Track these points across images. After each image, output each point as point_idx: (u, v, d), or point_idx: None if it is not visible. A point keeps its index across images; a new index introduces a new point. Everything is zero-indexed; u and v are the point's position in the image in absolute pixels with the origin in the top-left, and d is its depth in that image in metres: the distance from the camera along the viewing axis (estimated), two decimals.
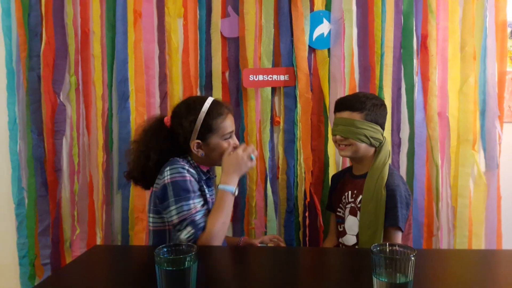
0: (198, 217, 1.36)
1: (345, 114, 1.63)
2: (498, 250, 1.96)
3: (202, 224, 1.35)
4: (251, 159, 1.46)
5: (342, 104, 1.67)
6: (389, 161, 1.64)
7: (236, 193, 1.43)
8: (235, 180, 1.43)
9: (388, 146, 1.67)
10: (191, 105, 1.52)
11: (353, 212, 1.66)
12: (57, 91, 2.07)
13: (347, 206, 1.70)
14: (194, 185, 1.42)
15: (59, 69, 2.07)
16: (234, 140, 1.55)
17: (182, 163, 1.44)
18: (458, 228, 2.02)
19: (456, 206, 2.02)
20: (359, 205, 1.62)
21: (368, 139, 1.60)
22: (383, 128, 1.66)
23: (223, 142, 1.51)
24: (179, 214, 1.35)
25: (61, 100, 2.09)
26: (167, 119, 1.55)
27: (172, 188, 1.37)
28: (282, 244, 1.76)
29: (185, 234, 1.34)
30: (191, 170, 1.45)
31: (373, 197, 1.56)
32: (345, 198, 1.72)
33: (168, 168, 1.42)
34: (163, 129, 1.54)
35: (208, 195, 1.51)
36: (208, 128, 1.48)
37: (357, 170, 1.72)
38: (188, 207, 1.36)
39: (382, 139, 1.65)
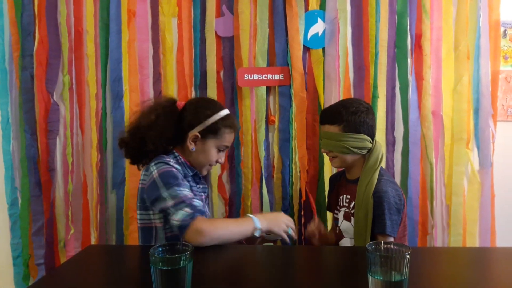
0: (196, 202, 1.35)
1: (326, 128, 1.63)
2: (492, 248, 1.97)
3: (200, 208, 1.34)
4: (287, 229, 1.43)
5: (322, 117, 1.67)
6: (380, 166, 1.60)
7: (257, 235, 1.36)
8: (264, 226, 1.38)
9: (379, 150, 1.62)
10: (212, 103, 1.60)
11: (347, 217, 1.66)
12: (50, 91, 2.06)
13: (341, 209, 1.70)
14: (180, 176, 1.42)
15: (53, 68, 2.06)
16: (223, 156, 1.60)
17: (167, 159, 1.46)
18: (452, 226, 2.03)
19: (451, 205, 2.03)
20: (352, 211, 1.61)
21: (351, 149, 1.57)
22: (370, 134, 1.60)
23: (215, 151, 1.55)
24: (174, 198, 1.34)
25: (55, 99, 2.08)
26: (180, 103, 1.57)
27: (161, 179, 1.38)
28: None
29: (181, 214, 1.30)
30: (176, 165, 1.46)
31: (363, 204, 1.55)
32: (341, 201, 1.72)
33: (153, 163, 1.43)
34: (175, 110, 1.55)
35: (197, 192, 1.52)
36: (214, 130, 1.52)
37: (350, 175, 1.71)
38: (181, 192, 1.35)
39: (369, 145, 1.60)
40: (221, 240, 1.29)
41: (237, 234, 1.33)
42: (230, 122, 1.56)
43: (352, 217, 1.61)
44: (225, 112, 1.56)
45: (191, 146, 1.52)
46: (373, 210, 1.52)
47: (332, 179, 1.89)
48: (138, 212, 1.48)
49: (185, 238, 1.28)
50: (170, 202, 1.34)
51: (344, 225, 1.66)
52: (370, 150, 1.61)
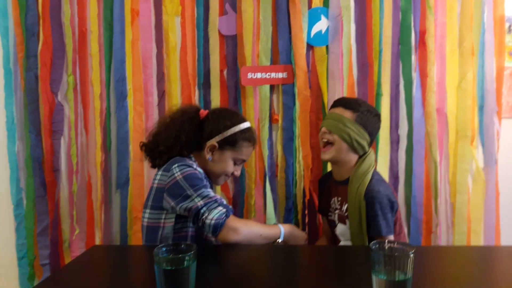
0: (225, 202, 1.39)
1: (338, 110, 1.63)
2: (497, 246, 1.97)
3: (231, 208, 1.38)
4: (301, 244, 1.50)
5: (338, 101, 1.67)
6: (372, 171, 1.59)
7: (279, 241, 1.43)
8: (284, 240, 1.43)
9: (373, 159, 1.63)
10: (234, 115, 1.60)
11: (342, 220, 1.65)
12: (54, 91, 2.07)
13: (335, 212, 1.70)
14: (204, 179, 1.44)
15: (57, 68, 2.06)
16: (239, 169, 1.61)
17: (190, 162, 1.46)
18: (456, 224, 2.02)
19: (455, 203, 2.02)
20: (346, 214, 1.61)
21: (352, 140, 1.57)
22: (371, 138, 1.62)
23: (232, 163, 1.56)
24: (204, 198, 1.35)
25: (59, 100, 2.08)
26: (202, 112, 1.59)
27: (186, 181, 1.38)
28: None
29: (216, 213, 1.32)
30: (199, 169, 1.47)
31: (356, 207, 1.54)
32: (333, 203, 1.71)
33: (176, 165, 1.42)
34: (196, 119, 1.57)
35: None
36: (232, 142, 1.52)
37: (338, 176, 1.69)
38: (210, 193, 1.37)
39: (366, 148, 1.61)
40: (250, 241, 1.35)
41: (264, 239, 1.39)
42: (249, 136, 1.56)
43: (347, 220, 1.60)
44: (245, 125, 1.56)
45: (208, 156, 1.53)
46: (366, 212, 1.52)
47: (321, 182, 1.88)
48: (148, 211, 1.47)
49: (219, 236, 1.31)
50: (200, 202, 1.34)
51: (340, 228, 1.65)
52: (364, 155, 1.62)
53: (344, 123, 1.59)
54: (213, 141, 1.52)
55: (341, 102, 1.65)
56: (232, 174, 1.59)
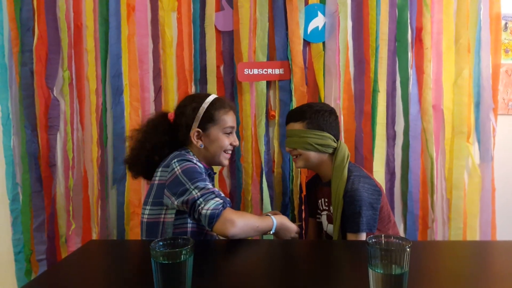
0: (223, 195, 1.37)
1: (289, 126, 1.68)
2: (493, 241, 1.98)
3: (229, 200, 1.36)
4: (291, 235, 1.49)
5: (287, 117, 1.71)
6: (349, 161, 1.62)
7: (271, 232, 1.42)
8: (275, 232, 1.43)
9: (344, 150, 1.64)
10: (195, 96, 1.61)
11: (330, 220, 1.66)
12: (50, 86, 2.06)
13: (323, 213, 1.71)
14: (203, 172, 1.43)
15: (52, 63, 2.05)
16: (234, 137, 1.58)
17: (190, 157, 1.46)
18: (452, 220, 2.03)
19: (451, 198, 2.03)
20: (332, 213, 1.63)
21: (314, 146, 1.60)
22: (333, 134, 1.64)
23: (223, 136, 1.54)
24: (201, 189, 1.33)
25: (55, 95, 2.07)
26: (170, 114, 1.58)
27: (185, 175, 1.37)
28: None
29: (212, 203, 1.30)
30: (199, 164, 1.47)
31: (336, 205, 1.57)
32: (320, 205, 1.73)
33: (175, 160, 1.42)
34: (164, 122, 1.57)
35: None
36: (209, 118, 1.51)
37: (323, 177, 1.72)
38: (208, 185, 1.36)
39: (333, 144, 1.63)
40: (246, 234, 1.32)
41: (259, 231, 1.38)
42: (221, 103, 1.55)
43: None
44: (211, 97, 1.55)
45: (199, 143, 1.52)
46: (345, 210, 1.53)
47: (309, 184, 1.90)
48: (148, 207, 1.46)
49: (215, 227, 1.29)
50: (198, 193, 1.32)
51: (330, 228, 1.66)
52: (335, 150, 1.63)
53: (300, 135, 1.62)
54: (194, 129, 1.51)
55: (290, 117, 1.69)
56: (231, 145, 1.57)
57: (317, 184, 1.77)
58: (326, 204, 1.69)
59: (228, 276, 1.05)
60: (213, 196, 1.32)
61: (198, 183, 1.35)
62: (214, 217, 1.28)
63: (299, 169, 2.04)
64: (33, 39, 2.03)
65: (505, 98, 2.09)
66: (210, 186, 1.36)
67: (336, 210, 1.57)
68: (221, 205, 1.30)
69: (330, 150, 1.63)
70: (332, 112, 1.67)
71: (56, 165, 2.11)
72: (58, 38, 2.05)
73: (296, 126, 1.64)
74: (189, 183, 1.35)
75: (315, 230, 1.83)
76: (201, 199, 1.32)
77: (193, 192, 1.33)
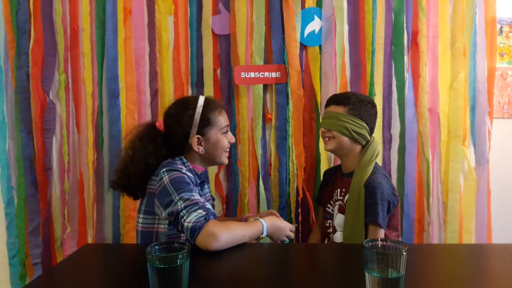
0: (208, 206, 1.33)
1: (331, 108, 1.70)
2: (488, 244, 1.98)
3: (213, 211, 1.32)
4: (285, 237, 1.45)
5: (329, 100, 1.73)
6: (375, 161, 1.65)
7: (263, 236, 1.38)
8: (268, 234, 1.39)
9: (376, 146, 1.67)
10: (185, 102, 1.54)
11: (341, 210, 1.67)
12: (46, 89, 2.05)
13: (336, 203, 1.71)
14: (191, 182, 1.40)
15: (48, 67, 2.05)
16: (230, 135, 1.58)
17: (179, 166, 1.43)
18: (448, 223, 2.04)
19: (447, 201, 2.04)
20: (346, 203, 1.63)
21: (350, 132, 1.62)
22: (370, 127, 1.67)
23: (222, 137, 1.54)
24: (186, 201, 1.30)
25: (51, 98, 2.07)
26: (159, 124, 1.55)
27: (172, 185, 1.34)
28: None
29: (195, 216, 1.25)
30: (188, 173, 1.43)
31: (355, 194, 1.58)
32: (335, 195, 1.73)
33: (164, 170, 1.40)
34: (158, 134, 1.53)
35: (202, 198, 1.49)
36: (206, 122, 1.50)
37: (345, 168, 1.73)
38: (193, 196, 1.32)
39: (368, 136, 1.66)
40: (232, 245, 1.26)
41: (248, 239, 1.31)
42: (213, 105, 1.53)
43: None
44: (202, 100, 1.52)
45: (201, 149, 1.51)
46: (365, 200, 1.54)
47: (327, 173, 1.90)
48: (141, 216, 1.46)
49: (197, 241, 1.23)
50: (182, 205, 1.29)
51: (339, 218, 1.67)
52: (367, 144, 1.66)
53: (339, 118, 1.63)
54: (193, 136, 1.49)
55: (332, 100, 1.71)
56: (229, 143, 1.57)
57: (337, 174, 1.79)
58: (342, 194, 1.69)
59: (224, 280, 1.04)
60: (196, 207, 1.28)
61: (183, 194, 1.31)
62: (195, 230, 1.23)
63: (295, 172, 2.04)
64: (29, 42, 2.02)
65: (501, 101, 2.10)
66: (195, 197, 1.32)
67: (352, 200, 1.58)
68: (203, 218, 1.25)
69: (363, 142, 1.66)
70: (374, 105, 1.71)
71: (52, 168, 2.10)
72: (54, 41, 2.05)
73: (338, 109, 1.66)
74: (175, 194, 1.32)
75: (323, 219, 1.82)
76: (184, 211, 1.28)
77: (178, 204, 1.30)
